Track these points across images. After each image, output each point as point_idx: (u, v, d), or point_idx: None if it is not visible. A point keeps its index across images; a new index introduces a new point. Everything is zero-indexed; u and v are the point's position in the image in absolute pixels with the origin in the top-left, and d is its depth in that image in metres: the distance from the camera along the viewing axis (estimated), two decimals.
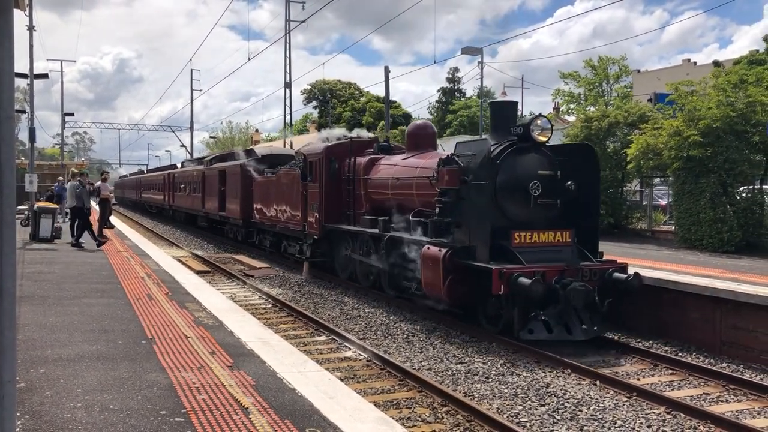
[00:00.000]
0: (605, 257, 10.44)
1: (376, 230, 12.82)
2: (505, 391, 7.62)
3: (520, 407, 7.07)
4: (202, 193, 26.96)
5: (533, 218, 10.05)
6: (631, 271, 9.96)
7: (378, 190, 13.65)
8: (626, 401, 7.19)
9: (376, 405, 6.62)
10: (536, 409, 7.00)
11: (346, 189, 14.71)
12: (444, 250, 9.87)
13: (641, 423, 6.57)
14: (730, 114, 16.54)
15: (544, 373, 8.26)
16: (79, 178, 18.24)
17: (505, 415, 6.80)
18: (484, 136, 10.13)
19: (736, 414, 6.97)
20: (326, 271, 15.96)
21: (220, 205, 23.94)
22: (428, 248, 10.33)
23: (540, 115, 10.35)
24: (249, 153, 22.93)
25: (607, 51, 63.01)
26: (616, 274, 9.66)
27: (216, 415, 4.96)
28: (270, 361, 6.56)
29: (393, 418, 5.96)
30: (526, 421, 6.67)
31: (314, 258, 16.06)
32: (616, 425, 6.54)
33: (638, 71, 51.99)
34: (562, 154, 10.48)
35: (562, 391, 7.54)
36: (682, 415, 6.72)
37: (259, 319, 10.03)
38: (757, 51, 32.20)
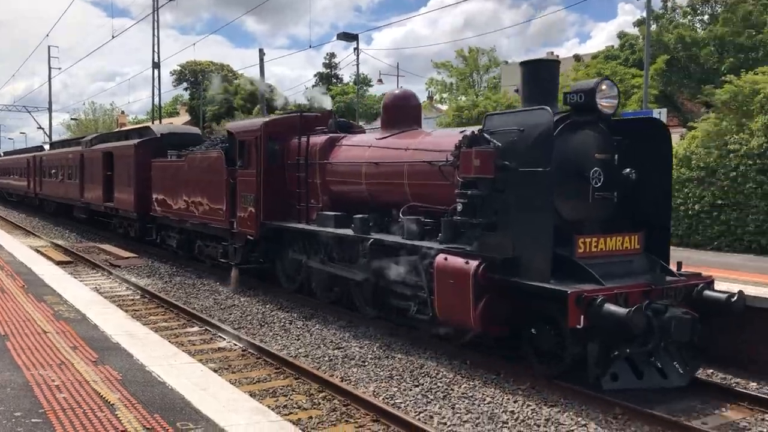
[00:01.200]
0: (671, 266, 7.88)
1: (348, 231, 10.03)
2: (381, 374, 7.75)
3: (396, 389, 7.23)
4: (80, 179, 22.84)
5: (590, 217, 7.74)
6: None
7: (343, 179, 10.77)
8: (494, 378, 7.53)
9: (252, 395, 6.53)
10: (411, 390, 7.18)
11: (294, 177, 11.65)
12: (475, 262, 7.38)
13: (508, 399, 6.91)
14: None
15: (419, 354, 8.47)
16: None
17: (380, 398, 6.92)
18: (548, 107, 7.23)
19: None
20: (261, 278, 13.13)
21: (105, 194, 20.11)
22: (445, 259, 7.78)
23: (606, 77, 7.91)
24: (144, 131, 19.52)
25: (477, 42, 65.38)
26: (710, 293, 7.38)
27: (78, 414, 4.68)
28: (138, 355, 6.29)
29: (269, 407, 5.91)
30: (401, 402, 6.82)
31: (248, 264, 12.90)
32: (485, 401, 6.83)
33: (506, 63, 54.16)
34: (617, 131, 7.92)
35: (435, 372, 7.77)
36: (546, 390, 7.12)
37: (126, 311, 9.59)
38: (613, 47, 34.48)
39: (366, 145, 10.51)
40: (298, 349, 8.84)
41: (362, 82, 51.31)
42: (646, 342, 6.84)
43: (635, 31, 31.18)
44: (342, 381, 7.44)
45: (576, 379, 6.99)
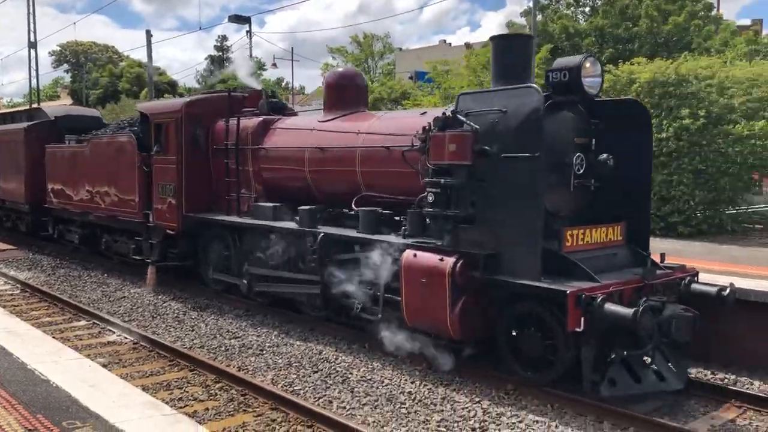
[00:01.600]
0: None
1: (292, 225, 9.08)
2: (280, 361, 7.71)
3: (294, 376, 7.21)
4: None
5: (572, 207, 7.13)
6: None
7: (281, 166, 9.76)
8: (392, 361, 7.65)
9: (145, 389, 6.35)
10: (310, 376, 7.18)
11: (222, 164, 10.52)
12: (451, 259, 6.67)
13: (406, 380, 7.05)
14: None
15: (317, 340, 8.47)
16: None
17: (279, 386, 6.88)
18: (531, 84, 6.73)
19: None
20: (182, 277, 11.75)
21: None
22: (415, 255, 7.03)
23: (589, 54, 7.14)
24: (35, 113, 17.38)
25: (371, 28, 65.82)
26: (699, 287, 6.88)
27: None
28: (18, 352, 5.94)
29: (163, 400, 5.77)
30: (300, 389, 6.81)
31: (167, 260, 11.45)
32: (384, 383, 6.94)
33: (400, 49, 54.78)
34: (593, 114, 7.29)
35: (334, 357, 7.81)
36: (441, 370, 7.31)
37: (4, 307, 9.04)
38: None
39: (308, 128, 9.50)
40: (192, 340, 8.63)
41: (256, 65, 50.36)
42: (645, 343, 6.21)
43: (522, 20, 32.33)
44: (239, 370, 7.34)
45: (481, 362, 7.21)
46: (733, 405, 6.43)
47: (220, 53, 69.72)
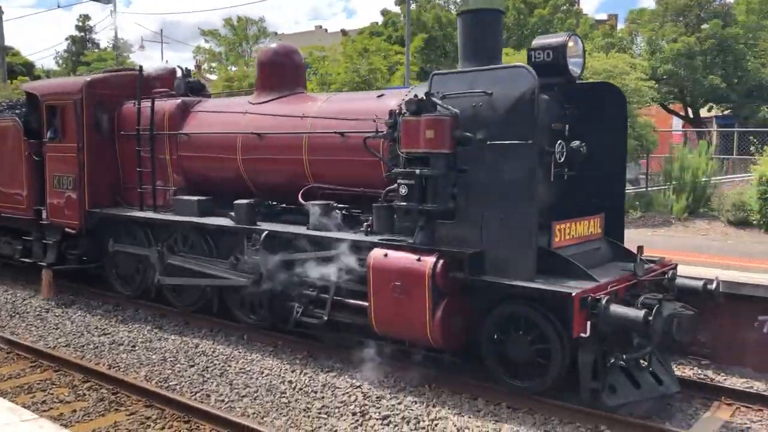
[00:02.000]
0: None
1: (226, 221, 8.06)
2: (153, 357, 7.43)
3: (170, 371, 6.98)
4: None
5: (553, 199, 6.55)
6: None
7: (206, 155, 8.66)
8: (272, 350, 7.58)
9: (2, 394, 5.94)
10: (186, 371, 6.98)
11: (132, 152, 9.39)
12: (430, 259, 5.94)
13: (286, 369, 7.01)
14: (356, 79, 18.33)
15: (193, 334, 8.24)
16: None
17: (153, 382, 6.64)
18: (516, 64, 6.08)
19: None
20: (84, 281, 10.44)
21: None
22: (385, 255, 6.26)
23: (574, 33, 6.60)
24: None
25: (246, 11, 64.38)
26: (684, 281, 6.46)
27: None
28: None
29: (23, 404, 5.43)
30: (176, 384, 6.61)
31: (65, 264, 10.11)
32: (263, 374, 6.87)
33: (276, 34, 53.93)
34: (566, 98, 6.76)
35: (212, 350, 7.63)
36: (322, 356, 7.32)
37: None
38: (377, 23, 35.90)
39: (239, 111, 8.45)
40: (57, 339, 8.13)
41: (122, 48, 47.87)
42: (645, 345, 5.76)
43: (398, 9, 32.74)
44: (110, 368, 7.03)
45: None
46: None
47: (83, 34, 65.71)
